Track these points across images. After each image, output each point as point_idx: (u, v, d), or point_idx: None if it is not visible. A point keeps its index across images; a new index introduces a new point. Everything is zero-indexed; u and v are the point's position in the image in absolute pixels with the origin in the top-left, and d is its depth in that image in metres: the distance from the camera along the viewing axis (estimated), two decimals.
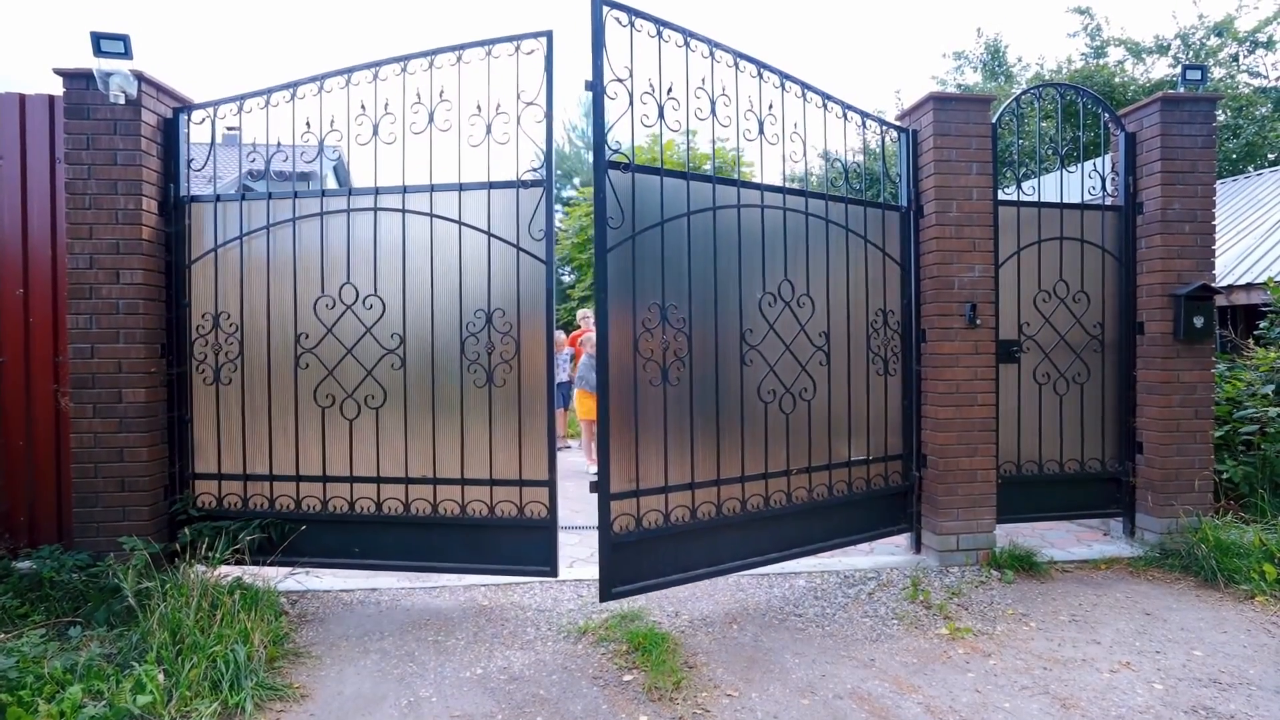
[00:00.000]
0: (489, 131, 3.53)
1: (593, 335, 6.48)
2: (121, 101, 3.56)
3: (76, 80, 3.58)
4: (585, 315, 8.49)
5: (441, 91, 3.54)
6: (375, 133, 3.65)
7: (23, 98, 3.72)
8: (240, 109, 3.79)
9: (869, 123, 4.22)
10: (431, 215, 3.61)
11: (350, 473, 3.69)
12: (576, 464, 7.50)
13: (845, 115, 4.07)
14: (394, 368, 3.65)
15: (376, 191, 3.67)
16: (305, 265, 3.72)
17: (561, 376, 8.29)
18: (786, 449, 3.84)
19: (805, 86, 3.86)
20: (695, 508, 3.56)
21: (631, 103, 3.35)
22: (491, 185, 3.58)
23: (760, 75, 3.72)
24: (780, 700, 2.73)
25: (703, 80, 3.52)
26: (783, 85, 3.80)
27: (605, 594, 3.31)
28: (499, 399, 3.58)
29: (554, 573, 3.57)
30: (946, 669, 2.98)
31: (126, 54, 3.53)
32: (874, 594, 3.79)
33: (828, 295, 3.96)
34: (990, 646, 3.19)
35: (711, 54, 3.56)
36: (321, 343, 3.69)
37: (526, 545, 3.57)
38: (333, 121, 3.67)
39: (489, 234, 3.57)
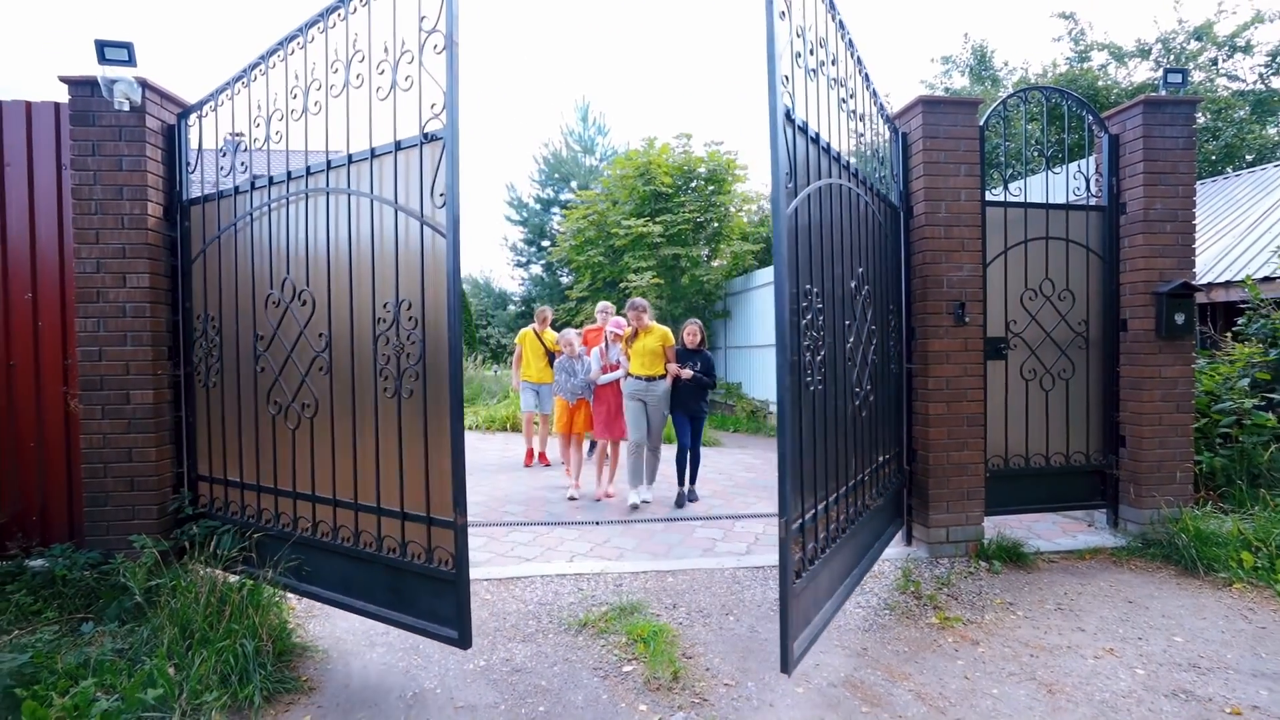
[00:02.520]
0: (394, 84, 2.77)
1: (570, 333, 6.19)
2: (126, 108, 3.55)
3: (82, 87, 3.57)
4: (605, 308, 6.97)
5: (354, 40, 2.91)
6: (305, 108, 3.14)
7: (29, 105, 3.70)
8: (218, 102, 3.59)
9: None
10: (349, 192, 3.02)
11: (293, 487, 3.23)
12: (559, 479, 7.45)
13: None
14: (321, 371, 3.11)
15: (308, 172, 3.20)
16: (261, 261, 3.38)
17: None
18: (858, 454, 3.35)
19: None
20: (830, 526, 2.94)
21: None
22: (398, 146, 2.82)
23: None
24: (775, 688, 2.75)
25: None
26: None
27: (788, 664, 2.42)
28: (408, 413, 2.79)
29: (463, 641, 2.63)
30: (937, 657, 3.00)
31: (130, 61, 3.51)
32: (865, 585, 3.81)
33: None
34: (979, 635, 3.21)
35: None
36: (271, 344, 3.30)
37: (435, 599, 2.73)
38: (275, 100, 3.29)
39: (395, 206, 2.85)
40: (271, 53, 3.28)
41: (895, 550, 4.33)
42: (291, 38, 3.19)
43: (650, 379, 5.61)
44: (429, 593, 2.74)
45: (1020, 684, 2.77)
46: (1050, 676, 2.83)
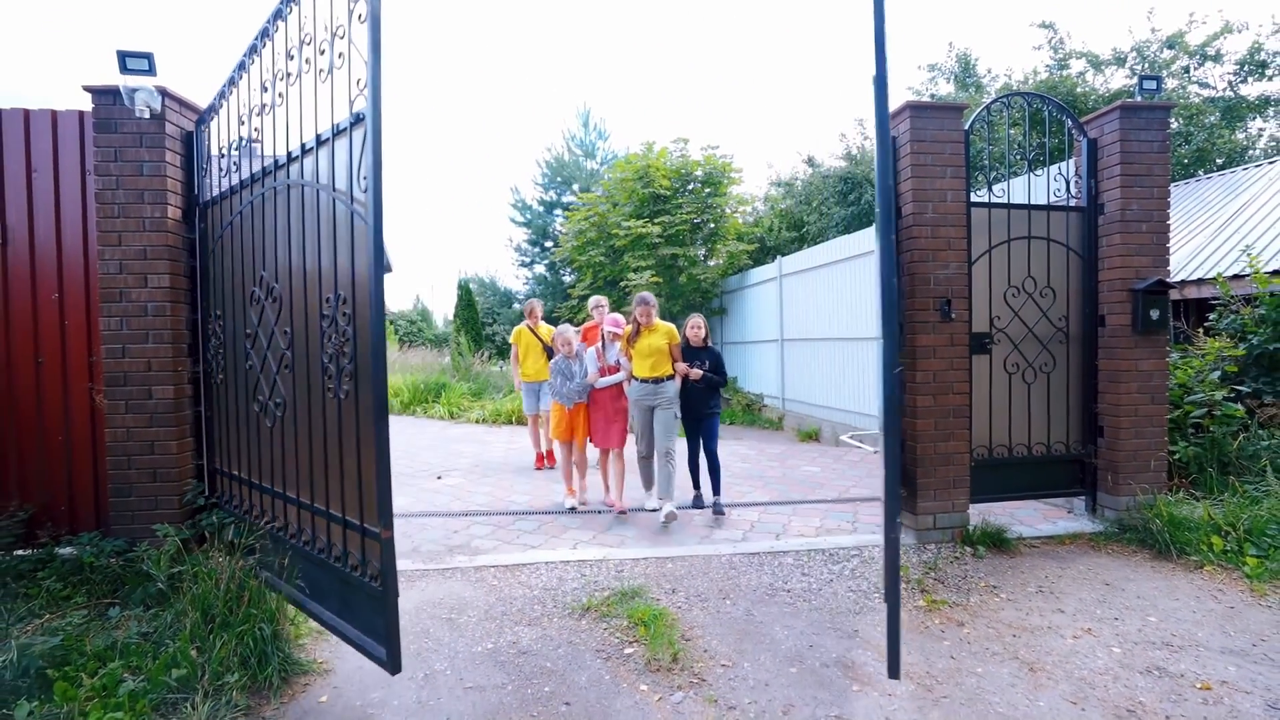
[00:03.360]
0: (331, 65, 2.53)
1: (568, 329, 5.17)
2: (146, 116, 3.53)
3: (104, 96, 3.55)
4: (599, 304, 6.10)
5: (303, 24, 2.68)
6: (273, 102, 2.94)
7: (54, 114, 3.68)
8: (225, 105, 3.41)
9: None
10: (303, 184, 2.79)
11: (271, 484, 3.10)
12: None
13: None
14: (286, 369, 2.93)
15: (275, 166, 2.99)
16: (245, 259, 3.26)
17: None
18: None
19: None
20: None
21: None
22: (335, 131, 2.57)
23: None
24: (771, 669, 2.75)
25: None
26: None
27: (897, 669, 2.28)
28: (346, 415, 2.54)
29: (392, 663, 2.30)
30: (924, 638, 3.01)
31: (150, 71, 3.50)
32: (857, 570, 3.81)
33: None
34: (964, 616, 3.21)
35: None
36: (254, 341, 3.18)
37: (371, 613, 2.45)
38: (252, 96, 3.11)
39: (333, 193, 2.60)
40: (252, 49, 3.09)
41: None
42: (264, 31, 2.98)
43: (658, 381, 4.88)
44: (367, 606, 2.47)
45: (1003, 663, 2.78)
46: (1032, 655, 2.84)
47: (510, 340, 7.01)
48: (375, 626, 2.40)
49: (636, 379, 4.94)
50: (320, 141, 2.67)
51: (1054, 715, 2.41)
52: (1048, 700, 2.50)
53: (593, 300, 6.24)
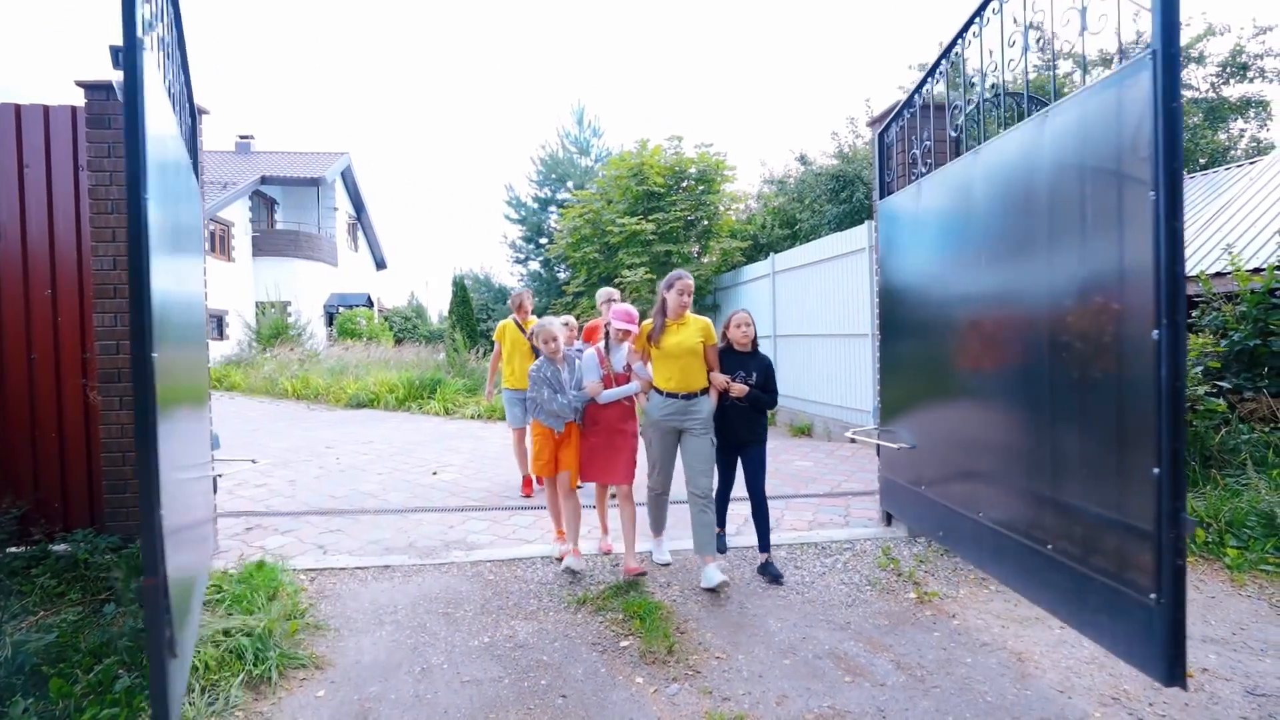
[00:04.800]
0: None
1: (552, 322, 3.74)
2: None
3: (97, 91, 3.50)
4: (610, 297, 4.80)
5: None
6: None
7: (47, 109, 3.62)
8: None
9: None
10: None
11: None
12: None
13: None
14: None
15: None
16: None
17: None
18: None
19: None
20: None
21: None
22: None
23: None
24: (764, 661, 2.76)
25: None
26: None
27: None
28: None
29: None
30: (915, 629, 3.03)
31: None
32: (849, 563, 3.83)
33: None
34: (954, 608, 3.24)
35: None
36: None
37: None
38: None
39: None
40: None
41: (875, 530, 4.36)
42: None
43: (690, 396, 3.50)
44: None
45: (993, 653, 2.80)
46: (1020, 646, 2.86)
47: (494, 337, 5.72)
48: None
49: (658, 392, 3.58)
50: None
51: (1042, 704, 2.43)
52: (1036, 689, 2.53)
53: (602, 293, 4.90)
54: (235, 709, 2.38)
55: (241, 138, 25.07)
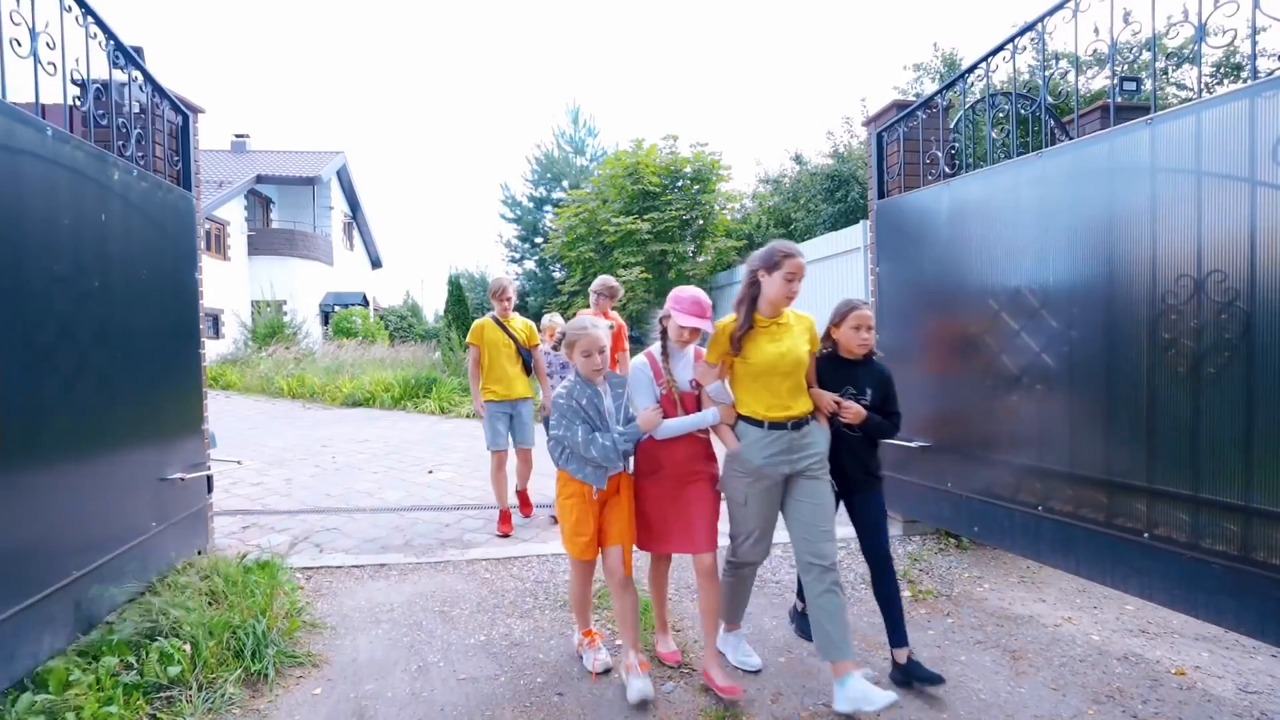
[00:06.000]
0: None
1: (589, 331, 2.46)
2: (136, 110, 3.46)
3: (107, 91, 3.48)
4: (606, 286, 4.50)
5: None
6: None
7: (43, 107, 3.60)
8: None
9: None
10: None
11: None
12: None
13: None
14: None
15: None
16: None
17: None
18: None
19: None
20: None
21: None
22: None
23: None
24: (760, 658, 2.77)
25: None
26: None
27: None
28: None
29: None
30: (911, 627, 3.01)
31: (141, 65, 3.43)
32: (843, 561, 3.84)
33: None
34: (949, 606, 3.25)
35: None
36: None
37: None
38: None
39: None
40: None
41: None
42: None
43: (800, 424, 2.44)
44: None
45: (987, 651, 2.82)
46: (1014, 644, 2.88)
47: (468, 339, 4.49)
48: None
49: (751, 422, 2.44)
50: None
51: (1036, 701, 2.45)
52: (1030, 686, 2.54)
53: (599, 282, 4.40)
54: (233, 706, 2.38)
55: (237, 136, 24.98)
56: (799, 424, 2.44)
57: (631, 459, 2.64)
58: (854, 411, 2.48)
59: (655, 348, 2.60)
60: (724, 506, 2.64)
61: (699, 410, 2.55)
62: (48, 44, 2.63)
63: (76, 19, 2.86)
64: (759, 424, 2.43)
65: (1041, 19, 3.20)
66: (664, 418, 2.49)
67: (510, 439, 4.46)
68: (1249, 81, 2.36)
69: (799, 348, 2.43)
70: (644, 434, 2.51)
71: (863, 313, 2.58)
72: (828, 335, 2.67)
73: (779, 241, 2.43)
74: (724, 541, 2.63)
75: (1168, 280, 2.54)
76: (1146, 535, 2.64)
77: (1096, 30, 2.87)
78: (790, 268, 2.35)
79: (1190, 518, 2.49)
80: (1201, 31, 2.59)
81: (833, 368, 2.62)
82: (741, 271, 2.55)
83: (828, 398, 2.52)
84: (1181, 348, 2.49)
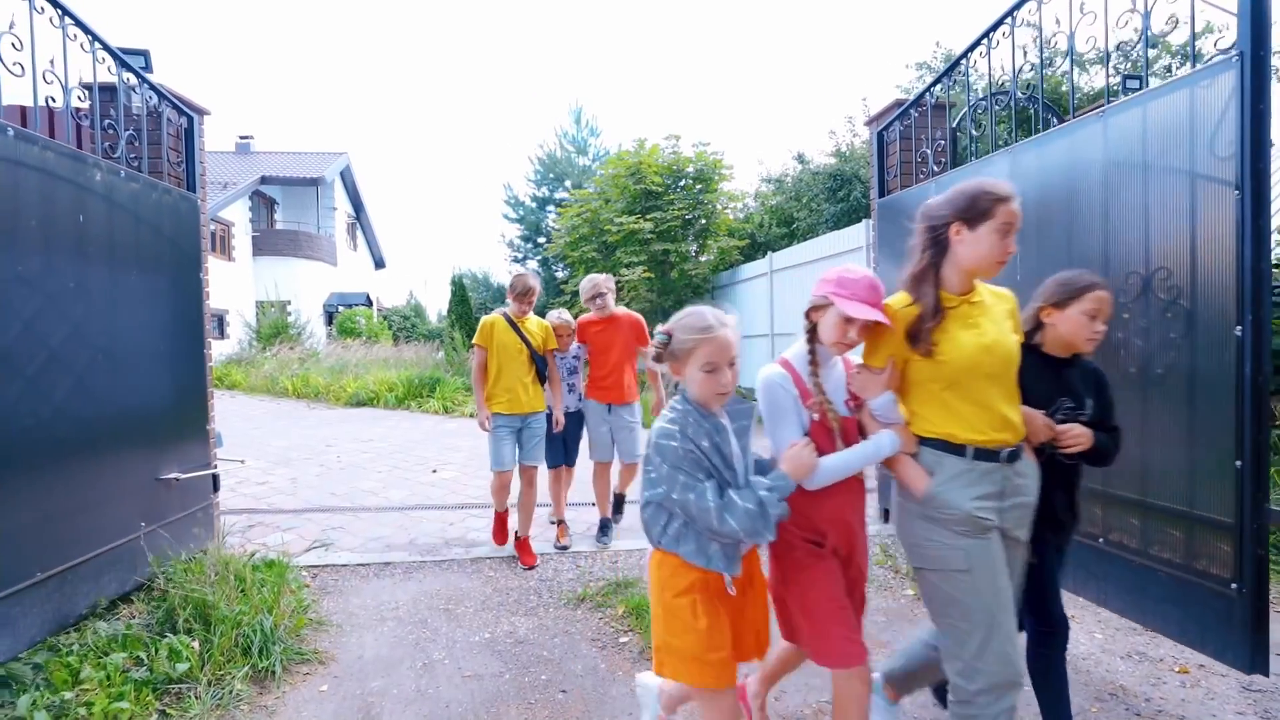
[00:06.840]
0: None
1: (726, 331, 1.60)
2: (143, 113, 3.49)
3: (102, 93, 3.51)
4: (596, 286, 3.99)
5: None
6: None
7: (51, 111, 3.63)
8: None
9: None
10: None
11: None
12: None
13: None
14: None
15: None
16: None
17: (569, 398, 4.17)
18: None
19: None
20: None
21: None
22: None
23: None
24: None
25: None
26: None
27: None
28: None
29: None
30: (912, 626, 3.05)
31: (147, 68, 3.46)
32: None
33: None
34: None
35: None
36: None
37: None
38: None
39: None
40: None
41: (873, 528, 4.38)
42: None
43: (1014, 455, 1.65)
44: None
45: None
46: None
47: (475, 340, 3.87)
48: None
49: (948, 449, 1.65)
50: None
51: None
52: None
53: (587, 282, 3.96)
54: (241, 702, 2.40)
55: (242, 138, 25.07)
56: (1014, 455, 1.64)
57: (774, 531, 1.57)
58: (1078, 434, 1.74)
59: (795, 353, 1.79)
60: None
61: (861, 440, 1.71)
62: (13, 45, 2.56)
63: (51, 20, 2.79)
64: (958, 450, 1.62)
65: (1010, 12, 3.24)
66: (816, 451, 1.64)
67: (515, 455, 3.86)
68: (1191, 70, 2.33)
69: (1007, 337, 1.64)
70: (795, 484, 1.61)
71: (1103, 294, 1.82)
72: (1034, 321, 1.91)
73: (981, 180, 1.64)
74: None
75: (1119, 278, 2.52)
76: (1101, 540, 2.64)
77: (1058, 21, 2.89)
78: (1005, 216, 1.59)
79: (1140, 523, 2.50)
80: (1147, 20, 2.61)
81: (1035, 369, 1.79)
82: (915, 230, 1.72)
83: (1042, 421, 1.75)
84: (1131, 347, 2.47)
